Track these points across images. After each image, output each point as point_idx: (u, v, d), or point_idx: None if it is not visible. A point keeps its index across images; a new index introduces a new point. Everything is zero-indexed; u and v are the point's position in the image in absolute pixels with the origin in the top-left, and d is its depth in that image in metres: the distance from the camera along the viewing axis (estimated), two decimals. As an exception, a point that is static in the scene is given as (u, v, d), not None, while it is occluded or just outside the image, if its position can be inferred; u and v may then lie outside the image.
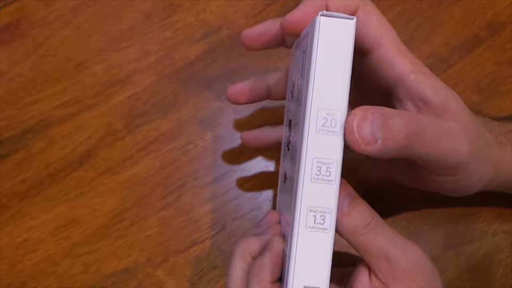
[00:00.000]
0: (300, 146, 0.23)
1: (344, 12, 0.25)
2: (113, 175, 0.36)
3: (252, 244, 0.27)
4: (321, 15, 0.22)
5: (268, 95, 0.32)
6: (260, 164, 0.37)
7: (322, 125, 0.22)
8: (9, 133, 0.37)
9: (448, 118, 0.25)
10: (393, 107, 0.27)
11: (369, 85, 0.28)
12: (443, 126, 0.25)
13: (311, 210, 0.22)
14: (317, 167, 0.22)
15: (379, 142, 0.22)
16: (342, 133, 0.22)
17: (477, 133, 0.27)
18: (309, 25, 0.23)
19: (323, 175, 0.22)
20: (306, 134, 0.22)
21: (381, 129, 0.22)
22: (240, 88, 0.32)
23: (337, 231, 0.23)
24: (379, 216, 0.25)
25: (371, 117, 0.22)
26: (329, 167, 0.22)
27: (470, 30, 0.41)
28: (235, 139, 0.37)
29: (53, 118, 0.37)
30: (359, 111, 0.22)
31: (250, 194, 0.36)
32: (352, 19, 0.22)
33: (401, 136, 0.22)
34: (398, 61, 0.26)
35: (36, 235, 0.35)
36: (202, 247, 0.34)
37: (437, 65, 0.39)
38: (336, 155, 0.22)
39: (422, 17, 0.41)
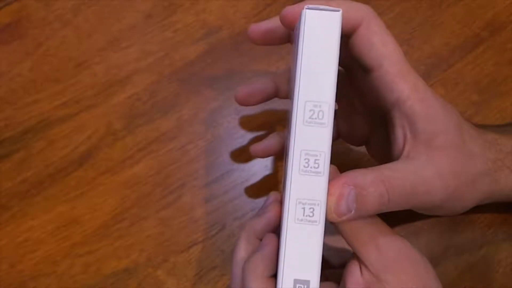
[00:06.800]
0: (289, 139, 0.23)
1: (345, 25, 0.25)
2: (113, 175, 0.36)
3: (255, 225, 0.27)
4: (306, 8, 0.22)
5: (276, 94, 0.32)
6: (260, 164, 0.37)
7: (310, 117, 0.22)
8: (9, 133, 0.37)
9: (427, 160, 0.25)
10: (387, 128, 0.27)
11: (370, 100, 0.28)
12: (418, 178, 0.25)
13: (299, 203, 0.22)
14: (305, 159, 0.22)
15: (352, 212, 0.23)
16: (329, 125, 0.22)
17: (463, 169, 0.26)
18: (299, 20, 0.24)
19: (311, 167, 0.22)
20: (294, 127, 0.22)
21: (355, 201, 0.23)
22: (249, 91, 0.32)
23: (327, 217, 0.23)
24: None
25: (346, 192, 0.23)
26: (317, 159, 0.22)
27: (470, 30, 0.41)
28: (235, 139, 0.37)
29: (53, 118, 0.37)
30: (336, 189, 0.23)
31: (250, 194, 0.36)
32: (338, 11, 0.22)
33: (374, 205, 0.23)
34: (397, 86, 0.25)
35: (36, 235, 0.35)
36: (202, 247, 0.34)
37: (437, 65, 0.39)
38: (324, 147, 0.22)
39: (422, 17, 0.41)
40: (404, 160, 0.25)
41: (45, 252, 0.34)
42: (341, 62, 0.23)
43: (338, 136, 0.32)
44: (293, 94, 0.23)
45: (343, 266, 0.26)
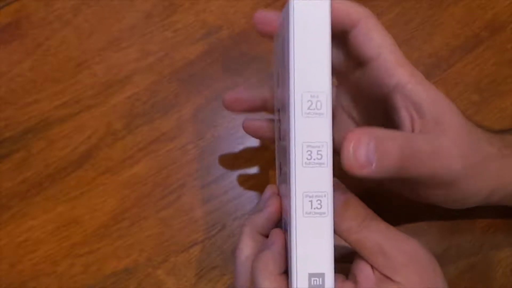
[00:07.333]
0: (288, 132, 0.23)
1: (345, 21, 0.25)
2: (113, 175, 0.36)
3: (256, 220, 0.27)
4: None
5: (264, 108, 0.32)
6: (260, 163, 0.37)
7: (308, 108, 0.22)
8: (9, 133, 0.37)
9: (440, 134, 0.25)
10: (388, 116, 0.27)
11: (366, 95, 0.28)
12: (435, 145, 0.25)
13: (306, 196, 0.22)
14: (307, 151, 0.22)
15: (373, 165, 0.22)
16: (329, 114, 0.22)
17: (473, 147, 0.27)
18: (284, 10, 0.23)
19: (314, 159, 0.22)
20: (293, 120, 0.22)
21: (375, 152, 0.22)
22: (237, 96, 0.32)
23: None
24: (372, 212, 0.25)
25: (366, 141, 0.22)
26: (320, 150, 0.22)
27: (470, 30, 0.41)
28: (235, 139, 0.37)
29: (53, 118, 0.37)
30: (353, 135, 0.22)
31: (250, 194, 0.36)
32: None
33: (395, 158, 0.23)
34: (397, 71, 0.26)
35: (36, 235, 0.35)
36: (202, 247, 0.34)
37: (437, 65, 0.39)
38: (325, 137, 0.22)
39: (422, 17, 0.41)
40: (418, 134, 0.26)
41: (45, 252, 0.34)
42: (334, 69, 0.23)
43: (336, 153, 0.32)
44: (288, 86, 0.22)
45: (348, 260, 0.26)
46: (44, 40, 0.39)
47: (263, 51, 0.39)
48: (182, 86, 0.38)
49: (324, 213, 0.22)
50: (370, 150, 0.22)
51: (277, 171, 0.32)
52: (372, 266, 0.25)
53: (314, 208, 0.22)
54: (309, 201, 0.22)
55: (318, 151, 0.22)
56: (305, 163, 0.22)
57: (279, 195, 0.28)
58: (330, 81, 0.22)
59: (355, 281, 0.25)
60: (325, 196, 0.22)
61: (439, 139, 0.25)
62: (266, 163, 0.37)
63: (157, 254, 0.34)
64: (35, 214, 0.35)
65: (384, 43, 0.26)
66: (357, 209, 0.24)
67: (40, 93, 0.38)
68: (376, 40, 0.26)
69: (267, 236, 0.27)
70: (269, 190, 0.29)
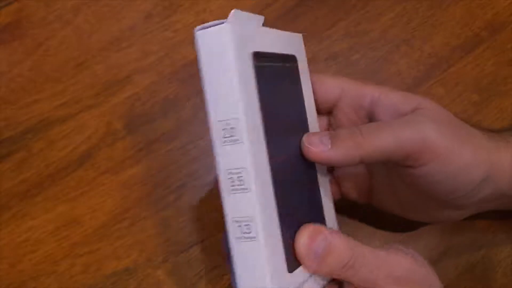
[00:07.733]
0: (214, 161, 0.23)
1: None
2: (113, 175, 0.36)
3: None
4: (197, 31, 0.22)
5: None
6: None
7: (223, 137, 0.22)
8: (9, 133, 0.37)
9: (418, 114, 0.27)
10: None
11: (347, 119, 0.30)
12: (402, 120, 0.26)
13: (235, 221, 0.22)
14: (229, 178, 0.22)
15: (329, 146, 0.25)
16: (245, 139, 0.22)
17: (457, 123, 0.27)
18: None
19: (236, 185, 0.22)
20: (214, 148, 0.22)
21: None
22: None
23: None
24: (359, 247, 0.24)
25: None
26: (240, 176, 0.22)
27: (470, 30, 0.41)
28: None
29: (53, 118, 0.37)
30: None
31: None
32: (226, 22, 0.22)
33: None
34: (365, 90, 0.28)
35: (36, 235, 0.35)
36: (202, 247, 0.34)
37: (437, 65, 0.39)
38: (243, 162, 0.22)
39: (422, 17, 0.41)
40: None
41: (45, 252, 0.34)
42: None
43: (341, 196, 0.32)
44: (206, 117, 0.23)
45: None
46: (44, 40, 0.39)
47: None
48: (182, 86, 0.38)
49: (254, 237, 0.22)
50: (324, 137, 0.25)
51: None
52: None
53: (244, 233, 0.22)
54: (238, 226, 0.22)
55: (238, 177, 0.22)
56: (230, 190, 0.22)
57: None
58: (245, 105, 0.22)
59: None
60: (252, 221, 0.22)
61: (415, 117, 0.26)
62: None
63: (157, 254, 0.34)
64: (35, 214, 0.35)
65: (338, 80, 0.29)
66: (339, 254, 0.24)
67: (40, 93, 0.38)
68: (332, 81, 0.29)
69: None
70: None
